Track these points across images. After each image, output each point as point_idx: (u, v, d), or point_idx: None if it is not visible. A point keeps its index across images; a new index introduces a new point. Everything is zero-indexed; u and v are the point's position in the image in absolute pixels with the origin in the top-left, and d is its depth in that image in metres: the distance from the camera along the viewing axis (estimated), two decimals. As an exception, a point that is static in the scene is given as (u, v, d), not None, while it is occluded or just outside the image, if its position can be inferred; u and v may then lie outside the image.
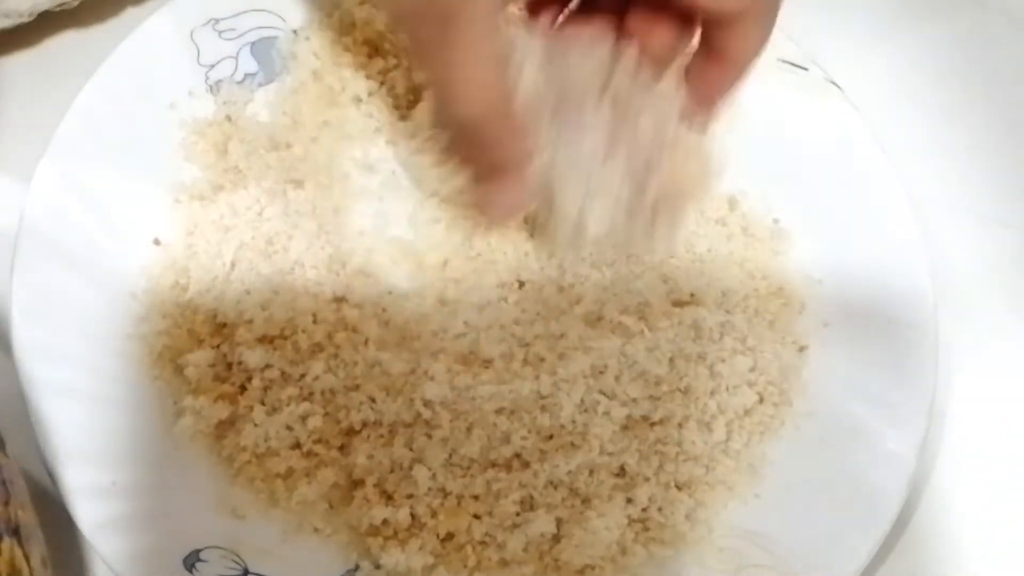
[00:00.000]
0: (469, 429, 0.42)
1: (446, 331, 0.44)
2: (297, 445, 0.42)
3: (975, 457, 0.48)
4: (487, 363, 0.44)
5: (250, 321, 0.43)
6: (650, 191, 0.40)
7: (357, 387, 0.42)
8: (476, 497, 0.42)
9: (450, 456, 0.42)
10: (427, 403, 0.43)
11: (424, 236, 0.46)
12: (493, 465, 0.42)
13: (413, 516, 0.42)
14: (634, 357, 0.43)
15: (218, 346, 0.43)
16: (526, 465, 0.42)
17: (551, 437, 0.43)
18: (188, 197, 0.46)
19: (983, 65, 0.58)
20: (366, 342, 0.43)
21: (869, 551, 0.41)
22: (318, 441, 0.42)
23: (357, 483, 0.42)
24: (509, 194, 0.40)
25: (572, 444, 0.42)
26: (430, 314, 0.44)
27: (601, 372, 0.43)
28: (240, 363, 0.43)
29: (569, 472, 0.42)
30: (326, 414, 0.42)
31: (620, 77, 0.40)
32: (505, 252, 0.45)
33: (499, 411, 0.42)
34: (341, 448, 0.42)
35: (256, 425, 0.42)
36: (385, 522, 0.41)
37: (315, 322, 0.43)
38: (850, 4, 0.59)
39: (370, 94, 0.49)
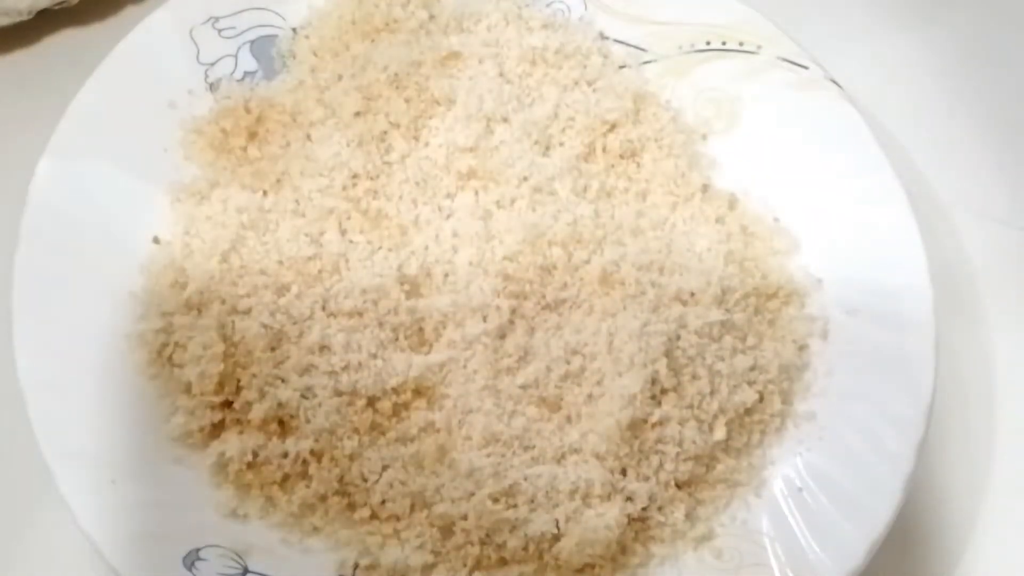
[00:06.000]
0: (468, 428, 0.42)
1: (445, 333, 0.44)
2: (286, 454, 0.42)
3: (975, 457, 0.48)
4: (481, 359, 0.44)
5: (248, 317, 0.43)
6: None
7: (356, 389, 0.42)
8: (474, 495, 0.42)
9: (449, 455, 0.42)
10: (429, 404, 0.43)
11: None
12: (492, 463, 0.42)
13: (412, 514, 0.42)
14: (633, 356, 0.43)
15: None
16: (527, 463, 0.42)
17: (551, 437, 0.43)
18: (187, 195, 0.46)
19: (983, 64, 0.58)
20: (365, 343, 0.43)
21: (868, 551, 0.41)
22: (313, 452, 0.42)
23: (355, 483, 0.42)
24: None
25: (572, 446, 0.42)
26: (430, 315, 0.44)
27: (601, 371, 0.44)
28: (238, 363, 0.43)
29: (569, 471, 0.42)
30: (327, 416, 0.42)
31: None
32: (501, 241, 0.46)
33: (498, 411, 0.43)
34: (337, 448, 0.42)
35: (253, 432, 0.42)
36: (384, 519, 0.41)
37: (314, 322, 0.43)
38: (850, 3, 0.59)
39: (370, 93, 0.49)
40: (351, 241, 0.46)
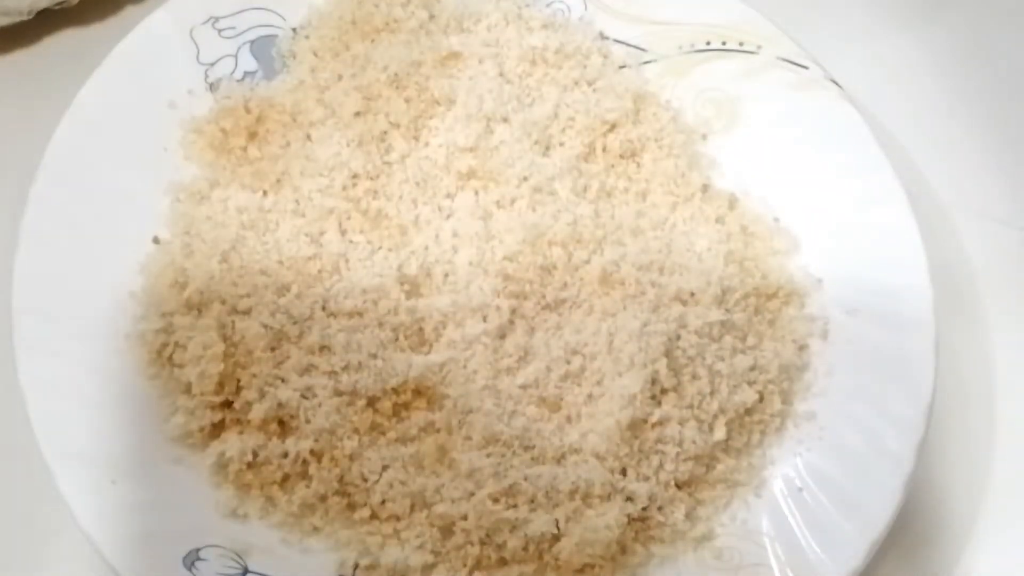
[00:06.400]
0: (468, 428, 0.42)
1: (445, 333, 0.44)
2: (287, 454, 0.42)
3: (975, 457, 0.48)
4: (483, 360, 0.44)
5: (248, 317, 0.43)
6: None
7: (356, 389, 0.42)
8: (474, 495, 0.42)
9: (449, 455, 0.42)
10: (429, 404, 0.43)
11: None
12: (492, 463, 0.42)
13: (412, 514, 0.42)
14: (633, 356, 0.43)
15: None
16: (527, 463, 0.42)
17: (551, 437, 0.43)
18: (187, 195, 0.46)
19: (983, 64, 0.58)
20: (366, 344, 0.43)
21: (868, 551, 0.41)
22: (313, 452, 0.42)
23: (355, 483, 0.42)
24: None
25: (572, 446, 0.42)
26: (430, 315, 0.44)
27: (601, 371, 0.44)
28: (238, 363, 0.43)
29: (569, 471, 0.42)
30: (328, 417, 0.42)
31: None
32: (501, 241, 0.46)
33: (498, 411, 0.43)
34: (337, 448, 0.42)
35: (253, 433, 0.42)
36: (384, 519, 0.41)
37: (314, 322, 0.43)
38: (850, 3, 0.59)
39: (370, 93, 0.49)
40: (351, 241, 0.46)
